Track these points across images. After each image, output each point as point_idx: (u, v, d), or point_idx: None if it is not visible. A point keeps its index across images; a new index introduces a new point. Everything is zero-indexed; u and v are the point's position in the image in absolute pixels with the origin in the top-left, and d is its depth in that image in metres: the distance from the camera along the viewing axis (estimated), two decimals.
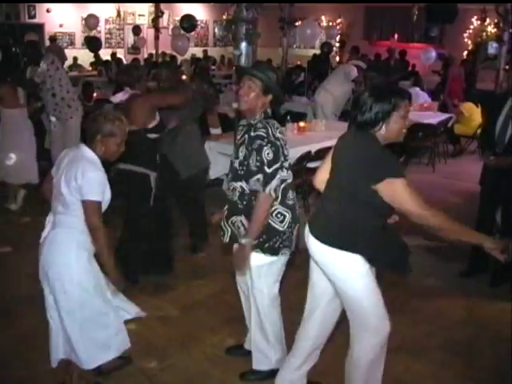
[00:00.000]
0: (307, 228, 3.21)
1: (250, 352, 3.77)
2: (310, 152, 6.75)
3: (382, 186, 2.79)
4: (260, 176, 3.19)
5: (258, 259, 3.38)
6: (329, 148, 7.30)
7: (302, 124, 7.87)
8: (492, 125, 4.91)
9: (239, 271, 3.52)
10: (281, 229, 3.34)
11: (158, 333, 4.29)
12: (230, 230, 3.44)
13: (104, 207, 3.25)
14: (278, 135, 3.25)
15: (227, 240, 3.47)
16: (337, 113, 9.55)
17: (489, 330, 4.44)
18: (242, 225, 3.36)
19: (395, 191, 2.79)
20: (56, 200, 3.24)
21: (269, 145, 3.18)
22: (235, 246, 3.48)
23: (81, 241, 3.22)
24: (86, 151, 3.21)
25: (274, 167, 3.19)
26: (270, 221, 3.30)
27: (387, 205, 2.86)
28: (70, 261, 3.20)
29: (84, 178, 3.10)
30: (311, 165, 6.83)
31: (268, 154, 3.18)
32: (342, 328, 4.39)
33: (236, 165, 3.34)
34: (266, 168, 3.18)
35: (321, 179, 3.30)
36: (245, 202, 3.32)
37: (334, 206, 3.06)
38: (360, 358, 3.20)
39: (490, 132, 4.95)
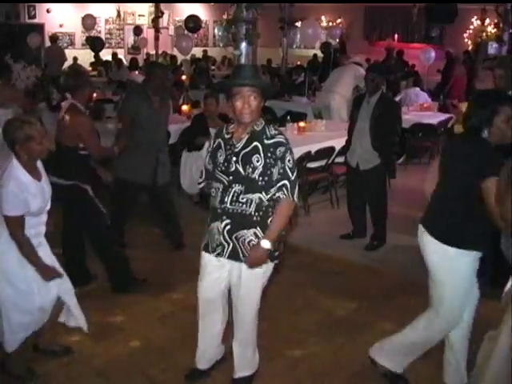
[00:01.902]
0: (421, 228, 3.37)
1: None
2: (309, 152, 6.74)
3: (485, 183, 2.98)
4: (286, 182, 3.11)
5: (265, 266, 3.27)
6: (329, 148, 7.29)
7: (301, 124, 7.87)
8: None
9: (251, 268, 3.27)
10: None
11: (158, 333, 4.28)
12: (231, 245, 3.24)
13: (39, 214, 3.40)
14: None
15: (225, 257, 3.27)
16: (348, 113, 9.61)
17: (488, 329, 4.43)
18: (257, 237, 3.18)
19: (491, 189, 2.95)
20: None
21: (289, 151, 3.14)
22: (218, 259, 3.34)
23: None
24: (12, 160, 3.31)
25: (295, 174, 3.16)
26: None
27: None
28: (8, 249, 3.34)
29: (2, 193, 3.23)
30: (311, 165, 6.84)
31: (289, 161, 3.13)
32: (341, 329, 4.40)
33: (255, 176, 3.12)
34: (290, 175, 3.12)
35: (432, 186, 3.48)
36: (261, 213, 3.18)
37: (451, 206, 3.23)
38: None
39: None
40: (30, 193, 3.31)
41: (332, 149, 7.01)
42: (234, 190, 3.16)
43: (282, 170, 3.11)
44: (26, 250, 3.34)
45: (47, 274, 3.42)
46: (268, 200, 3.17)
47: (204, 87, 11.48)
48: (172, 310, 4.64)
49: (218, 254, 3.30)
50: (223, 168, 3.20)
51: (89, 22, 16.11)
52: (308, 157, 6.73)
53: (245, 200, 3.15)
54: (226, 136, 3.26)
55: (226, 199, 3.18)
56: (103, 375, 3.73)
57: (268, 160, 3.11)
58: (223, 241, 3.25)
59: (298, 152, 6.64)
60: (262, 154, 3.11)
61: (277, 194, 3.13)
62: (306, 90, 10.98)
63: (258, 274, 3.27)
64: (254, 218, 3.18)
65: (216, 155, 3.25)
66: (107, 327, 4.32)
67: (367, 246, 5.94)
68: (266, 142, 3.13)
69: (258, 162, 3.12)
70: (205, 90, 9.90)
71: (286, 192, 3.10)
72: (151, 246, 5.84)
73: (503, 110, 3.07)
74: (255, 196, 3.15)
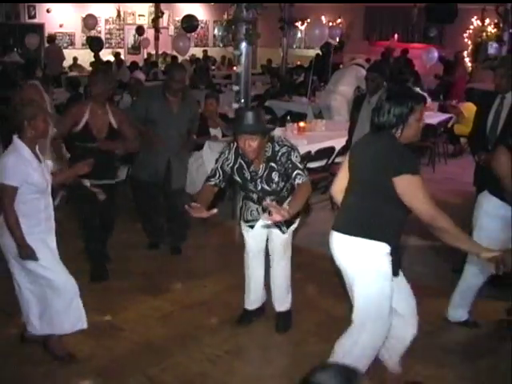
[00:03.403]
0: (331, 231, 3.30)
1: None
2: (309, 152, 6.74)
3: (399, 180, 2.93)
4: (298, 171, 3.67)
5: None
6: (329, 148, 7.31)
7: (301, 124, 7.87)
8: (483, 122, 4.95)
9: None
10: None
11: (157, 333, 4.28)
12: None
13: (41, 192, 3.54)
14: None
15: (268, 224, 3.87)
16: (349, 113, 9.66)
17: (488, 330, 4.44)
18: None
19: (410, 187, 2.93)
20: None
21: (292, 150, 3.73)
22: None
23: (28, 226, 3.50)
24: (15, 139, 3.49)
25: (303, 166, 3.78)
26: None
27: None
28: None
29: (1, 163, 3.43)
30: (311, 165, 6.83)
31: (297, 156, 3.73)
32: (341, 329, 4.40)
33: (279, 187, 3.87)
34: (299, 165, 3.70)
35: (338, 189, 3.43)
36: (289, 192, 3.92)
37: (357, 200, 3.17)
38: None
39: (480, 130, 4.98)
40: (32, 166, 3.47)
41: (332, 149, 7.01)
42: (267, 198, 3.74)
43: (291, 165, 3.68)
44: (12, 221, 3.44)
45: (25, 252, 3.50)
46: (291, 184, 3.84)
47: (204, 87, 11.47)
48: (172, 309, 4.64)
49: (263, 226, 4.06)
50: (251, 187, 3.89)
51: (90, 21, 16.12)
52: (308, 157, 6.72)
53: (278, 199, 3.86)
54: (245, 159, 3.78)
55: (262, 201, 3.80)
56: (103, 375, 3.74)
57: (280, 169, 3.75)
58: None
59: None
60: (276, 169, 3.77)
61: (295, 183, 3.68)
62: (309, 89, 10.96)
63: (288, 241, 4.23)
64: (286, 196, 3.96)
65: (242, 173, 3.85)
66: (107, 327, 4.32)
67: None
68: (277, 158, 3.74)
69: (276, 177, 3.80)
70: (205, 90, 9.89)
71: (301, 177, 3.66)
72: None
73: (420, 109, 3.07)
74: (282, 193, 3.94)
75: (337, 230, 3.24)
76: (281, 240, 4.16)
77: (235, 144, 3.73)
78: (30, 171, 3.46)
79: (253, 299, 4.37)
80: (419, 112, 3.07)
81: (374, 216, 3.09)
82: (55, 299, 3.65)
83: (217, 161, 3.88)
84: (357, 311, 3.23)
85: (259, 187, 3.86)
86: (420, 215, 2.94)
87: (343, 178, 3.33)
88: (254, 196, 3.99)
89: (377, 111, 3.13)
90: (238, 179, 3.90)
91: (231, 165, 3.84)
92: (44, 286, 3.65)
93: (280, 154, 3.72)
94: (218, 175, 3.84)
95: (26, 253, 3.49)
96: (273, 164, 3.76)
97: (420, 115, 3.08)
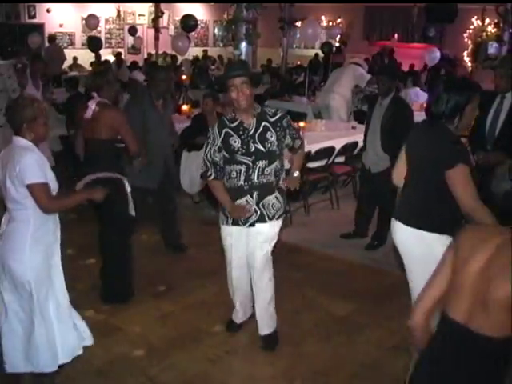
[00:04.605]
0: (393, 220, 3.42)
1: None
2: (309, 152, 6.74)
3: (452, 172, 3.03)
4: (297, 135, 3.94)
5: (277, 226, 3.95)
6: (329, 148, 7.31)
7: (301, 124, 7.86)
8: (482, 122, 4.94)
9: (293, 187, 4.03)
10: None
11: (158, 333, 4.28)
12: (259, 212, 3.80)
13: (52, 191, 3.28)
14: None
15: (254, 224, 3.82)
16: (348, 113, 9.68)
17: None
18: (277, 199, 3.85)
19: (462, 178, 3.03)
20: (6, 198, 3.26)
21: (290, 120, 3.87)
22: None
23: (37, 236, 3.24)
24: (18, 140, 3.23)
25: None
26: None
27: None
28: (23, 258, 3.21)
29: (21, 165, 3.12)
30: (311, 165, 6.83)
31: (293, 125, 3.95)
32: (340, 329, 4.41)
33: (274, 148, 3.73)
34: (296, 133, 3.93)
35: (400, 177, 3.51)
36: (277, 178, 3.82)
37: (418, 193, 3.28)
38: None
39: (480, 129, 4.97)
40: (47, 166, 3.28)
41: (332, 149, 7.00)
42: (258, 166, 3.71)
43: (294, 131, 3.89)
44: (69, 202, 3.42)
45: (97, 193, 3.53)
46: (280, 165, 3.84)
47: (204, 87, 11.47)
48: (172, 309, 4.64)
49: (250, 225, 3.84)
50: (243, 151, 3.70)
51: (92, 21, 16.12)
52: (308, 157, 6.72)
53: (268, 171, 3.75)
54: (232, 124, 3.73)
55: (252, 176, 3.73)
56: (103, 375, 3.74)
57: (279, 133, 3.75)
58: (254, 211, 3.80)
59: None
60: (272, 130, 3.73)
61: (296, 145, 3.92)
62: (306, 89, 10.97)
63: (275, 233, 3.96)
64: (274, 185, 3.82)
65: (229, 143, 3.71)
66: (107, 327, 4.32)
67: (368, 246, 5.94)
68: (271, 119, 3.75)
69: (271, 137, 3.72)
70: (204, 90, 9.90)
71: (299, 141, 3.93)
72: (151, 246, 5.84)
73: (476, 97, 3.15)
74: (274, 165, 3.77)
75: (405, 223, 3.34)
76: (262, 247, 3.91)
77: (217, 122, 3.80)
78: (47, 170, 3.25)
79: (240, 315, 4.30)
80: (476, 102, 3.14)
81: (434, 208, 3.21)
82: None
83: (204, 152, 3.81)
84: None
85: (252, 149, 3.68)
86: (463, 206, 3.05)
87: (402, 167, 3.45)
88: (243, 168, 3.71)
89: (435, 102, 3.19)
90: (226, 154, 3.72)
91: (217, 143, 3.73)
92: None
93: (277, 117, 3.77)
94: (208, 167, 3.79)
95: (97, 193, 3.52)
96: (266, 124, 3.73)
97: (476, 104, 3.15)
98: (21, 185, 3.14)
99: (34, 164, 3.15)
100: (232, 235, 3.94)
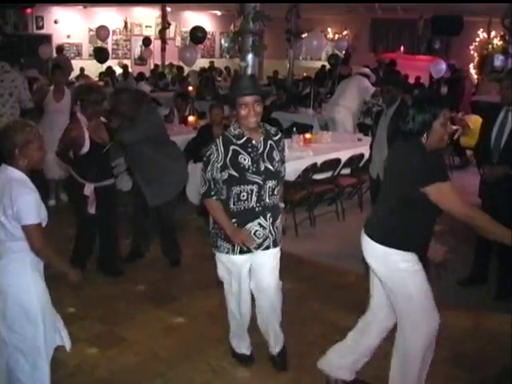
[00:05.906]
0: (362, 232, 3.42)
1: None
2: (315, 164, 6.75)
3: (431, 190, 3.05)
4: (285, 165, 3.74)
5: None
6: (335, 160, 7.30)
7: (308, 136, 7.87)
8: (488, 135, 4.94)
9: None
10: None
11: (162, 344, 4.28)
12: (274, 234, 3.65)
13: (43, 224, 3.15)
14: None
15: (270, 247, 3.66)
16: (354, 125, 9.71)
17: (494, 342, 4.41)
18: (280, 223, 3.73)
19: (444, 194, 3.07)
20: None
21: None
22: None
23: (33, 262, 3.15)
24: (12, 172, 3.06)
25: None
26: None
27: (436, 206, 3.11)
28: (28, 286, 3.12)
29: (19, 204, 2.98)
30: (317, 176, 6.83)
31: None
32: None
33: (280, 168, 3.62)
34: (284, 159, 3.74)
35: None
36: (278, 199, 3.70)
37: (387, 209, 3.29)
38: (408, 354, 3.42)
39: (485, 142, 4.97)
40: (41, 203, 3.13)
41: (338, 160, 7.01)
42: (268, 186, 3.55)
43: (283, 156, 3.69)
44: (55, 261, 3.20)
45: (74, 275, 3.27)
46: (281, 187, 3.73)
47: (210, 98, 11.51)
48: (176, 320, 4.63)
49: (266, 248, 3.65)
50: (254, 169, 3.51)
51: (102, 32, 16.22)
52: (314, 168, 6.73)
53: (276, 192, 3.62)
54: (239, 141, 3.52)
55: (264, 196, 3.55)
56: None
57: (280, 153, 3.65)
58: (269, 234, 3.63)
59: (303, 163, 6.66)
60: (276, 149, 3.61)
61: (284, 171, 3.73)
62: (312, 101, 11.00)
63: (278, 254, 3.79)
64: (278, 205, 3.70)
65: (238, 161, 3.50)
66: (111, 337, 4.32)
67: None
68: (274, 138, 3.64)
69: (276, 156, 3.60)
70: (211, 101, 9.93)
71: (284, 172, 3.74)
72: (155, 256, 5.83)
73: (442, 113, 3.13)
74: (280, 186, 3.66)
75: (369, 236, 3.35)
76: (273, 260, 3.76)
77: (220, 138, 3.54)
78: (42, 208, 3.12)
79: (248, 344, 4.08)
80: (443, 117, 3.13)
81: (404, 227, 3.22)
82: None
83: (205, 170, 3.59)
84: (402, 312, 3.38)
85: (262, 168, 3.51)
86: (459, 218, 3.10)
87: None
88: (255, 188, 3.51)
89: (402, 119, 3.22)
90: (235, 173, 3.48)
91: (222, 161, 3.48)
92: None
93: (278, 137, 3.67)
94: (210, 185, 3.59)
95: (78, 274, 3.29)
96: (272, 143, 3.59)
97: (445, 120, 3.14)
98: (17, 224, 3.04)
99: (32, 205, 3.02)
100: (239, 265, 3.68)
